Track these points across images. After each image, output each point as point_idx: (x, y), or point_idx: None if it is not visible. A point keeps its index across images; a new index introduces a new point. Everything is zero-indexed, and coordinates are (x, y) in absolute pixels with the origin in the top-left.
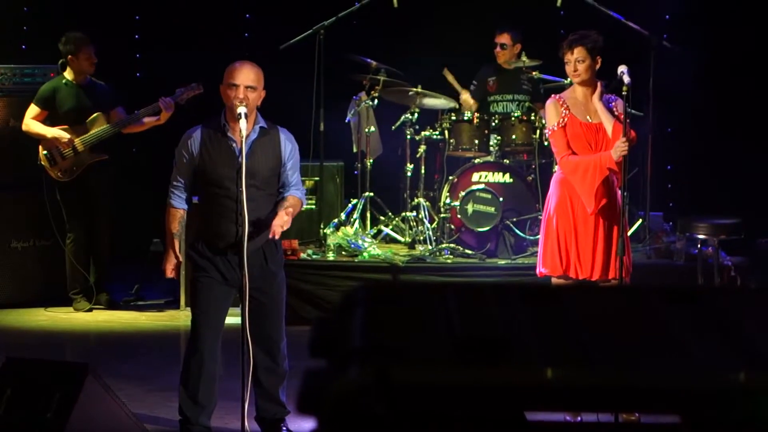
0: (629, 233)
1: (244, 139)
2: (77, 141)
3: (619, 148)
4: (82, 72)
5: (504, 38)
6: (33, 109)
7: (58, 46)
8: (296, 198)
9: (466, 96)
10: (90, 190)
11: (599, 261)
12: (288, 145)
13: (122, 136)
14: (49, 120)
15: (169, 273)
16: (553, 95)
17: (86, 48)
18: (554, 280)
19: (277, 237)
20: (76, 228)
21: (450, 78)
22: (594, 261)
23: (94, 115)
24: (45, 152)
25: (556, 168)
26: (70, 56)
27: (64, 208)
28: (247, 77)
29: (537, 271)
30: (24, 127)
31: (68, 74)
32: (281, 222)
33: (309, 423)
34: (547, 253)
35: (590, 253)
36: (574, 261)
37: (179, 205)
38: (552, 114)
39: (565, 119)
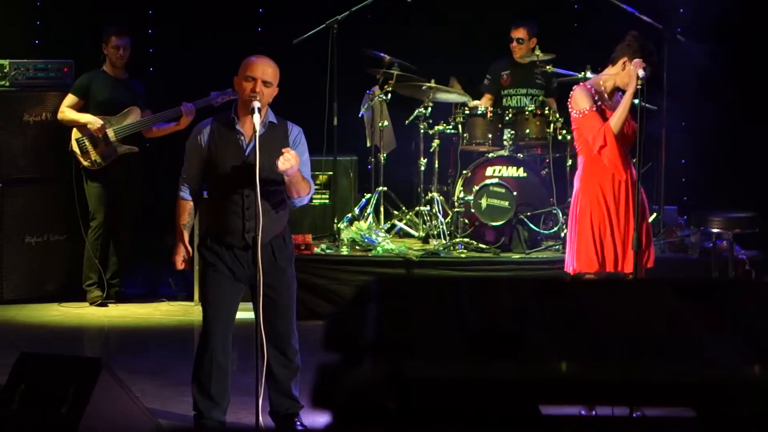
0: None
1: (257, 134)
2: (110, 131)
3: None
4: (113, 64)
5: (520, 33)
6: (69, 98)
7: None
8: (305, 179)
9: (473, 105)
10: (117, 182)
11: (630, 253)
12: (295, 138)
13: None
14: (84, 110)
15: (179, 265)
16: (580, 84)
17: (113, 38)
18: (587, 277)
19: (281, 167)
20: (99, 218)
21: (456, 87)
22: (626, 253)
23: (129, 108)
24: (77, 138)
25: (578, 161)
26: (103, 45)
27: (89, 198)
28: (264, 72)
29: (568, 268)
30: (59, 115)
31: (107, 67)
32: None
33: (323, 417)
34: (581, 250)
35: (622, 245)
36: (611, 255)
37: (188, 197)
38: (584, 98)
39: (599, 108)
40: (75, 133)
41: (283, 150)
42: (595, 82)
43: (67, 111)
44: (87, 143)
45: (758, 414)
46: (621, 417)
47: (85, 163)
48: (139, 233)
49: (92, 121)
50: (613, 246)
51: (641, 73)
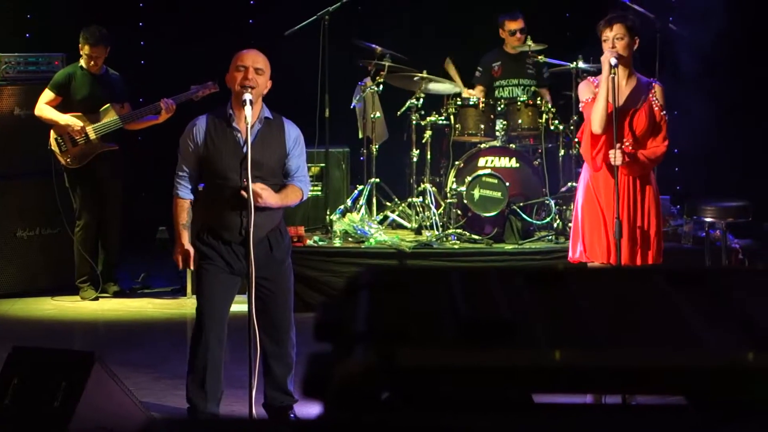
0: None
1: (249, 127)
2: (89, 129)
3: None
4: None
5: (520, 23)
6: (47, 95)
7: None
8: (295, 187)
9: (465, 94)
10: (99, 179)
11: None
12: (292, 136)
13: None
14: (62, 106)
15: (182, 265)
16: (588, 78)
17: (88, 47)
18: (591, 266)
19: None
20: (85, 216)
21: (451, 71)
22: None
23: (107, 105)
24: (56, 137)
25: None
26: (79, 45)
27: (73, 196)
28: (255, 60)
29: (572, 256)
30: (37, 112)
31: (83, 62)
32: (259, 193)
33: (316, 409)
34: (573, 238)
35: (614, 236)
36: (603, 246)
37: (186, 196)
38: (584, 90)
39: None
40: (53, 132)
41: (253, 186)
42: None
43: (45, 109)
44: (66, 141)
45: (751, 401)
46: (614, 404)
47: (64, 162)
48: (132, 226)
49: (72, 123)
50: (603, 237)
51: (613, 61)
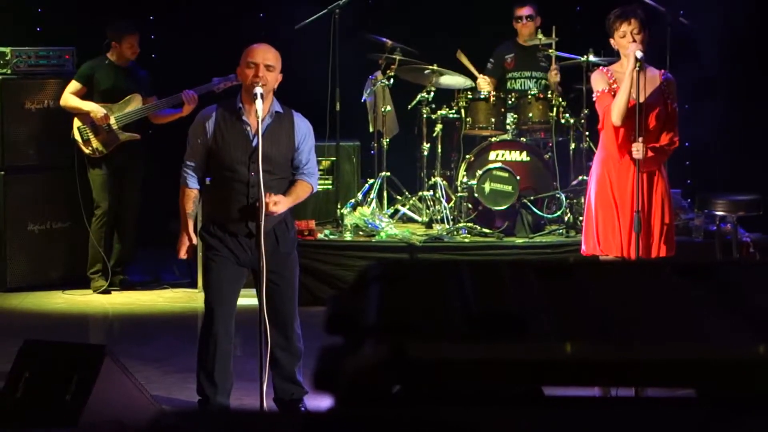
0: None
1: (260, 120)
2: (111, 118)
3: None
4: (123, 57)
5: (528, 10)
6: (73, 85)
7: (105, 29)
8: (304, 182)
9: (481, 80)
10: (120, 169)
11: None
12: (302, 130)
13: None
14: (87, 97)
15: (182, 254)
16: (600, 68)
17: (130, 37)
18: (603, 258)
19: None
20: (104, 205)
21: (464, 60)
22: (632, 238)
23: (131, 95)
24: (79, 126)
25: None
26: (113, 42)
27: (93, 186)
28: (265, 57)
29: (584, 249)
30: (62, 101)
31: (111, 55)
32: (271, 206)
33: (326, 401)
34: (586, 231)
35: (628, 230)
36: (616, 239)
37: (193, 186)
38: (599, 81)
39: (614, 91)
40: (77, 122)
41: (266, 200)
42: (615, 66)
43: (70, 98)
44: (89, 131)
45: (762, 394)
46: (624, 398)
47: (87, 151)
48: (142, 220)
49: (95, 110)
50: (617, 231)
51: (639, 54)
